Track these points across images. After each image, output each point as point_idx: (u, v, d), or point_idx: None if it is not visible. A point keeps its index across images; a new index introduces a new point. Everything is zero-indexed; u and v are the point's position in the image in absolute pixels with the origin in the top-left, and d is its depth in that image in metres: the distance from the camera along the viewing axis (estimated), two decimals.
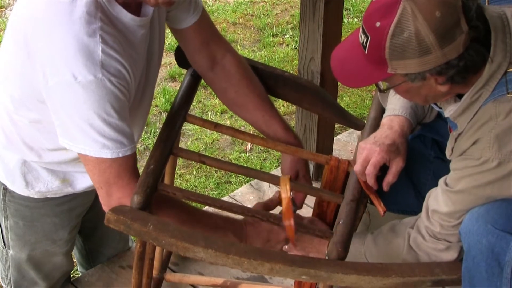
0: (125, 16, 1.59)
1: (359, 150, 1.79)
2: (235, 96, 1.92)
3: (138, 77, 1.69)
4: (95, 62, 1.50)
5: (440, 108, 1.70)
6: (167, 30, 1.91)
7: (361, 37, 1.53)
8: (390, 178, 1.79)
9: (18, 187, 1.86)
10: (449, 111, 1.63)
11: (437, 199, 1.67)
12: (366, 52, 1.51)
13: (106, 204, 1.66)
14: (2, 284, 2.12)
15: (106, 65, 1.52)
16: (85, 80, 1.49)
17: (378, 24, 1.47)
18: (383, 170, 1.78)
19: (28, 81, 1.60)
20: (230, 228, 1.78)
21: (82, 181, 1.86)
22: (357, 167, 1.77)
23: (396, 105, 1.86)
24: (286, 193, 1.63)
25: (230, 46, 1.94)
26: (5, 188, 1.89)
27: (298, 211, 1.92)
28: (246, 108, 1.93)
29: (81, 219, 2.08)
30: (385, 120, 1.86)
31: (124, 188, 1.64)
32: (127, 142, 1.60)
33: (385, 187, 1.79)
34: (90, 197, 2.02)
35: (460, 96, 1.60)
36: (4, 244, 2.00)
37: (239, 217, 1.77)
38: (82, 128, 1.55)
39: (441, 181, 1.67)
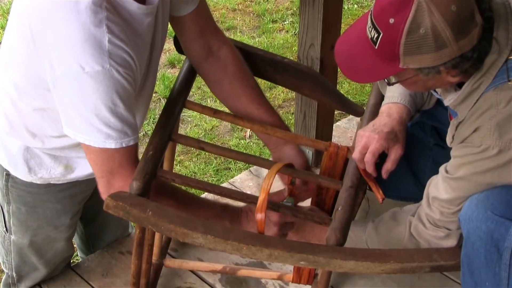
0: (131, 4, 1.57)
1: (357, 138, 1.79)
2: (229, 88, 1.90)
3: (143, 65, 1.69)
4: (103, 52, 1.49)
5: (440, 95, 1.70)
6: None
7: (370, 32, 1.49)
8: (389, 165, 1.79)
9: (20, 173, 1.86)
10: (449, 100, 1.63)
11: (438, 186, 1.67)
12: (376, 47, 1.48)
13: (106, 193, 1.66)
14: (4, 269, 2.12)
15: (113, 55, 1.51)
16: (93, 71, 1.49)
17: (392, 20, 1.43)
18: (382, 157, 1.78)
19: (33, 71, 1.59)
20: (226, 216, 1.78)
21: (85, 167, 1.85)
22: (355, 155, 1.77)
23: (394, 93, 1.86)
24: (266, 186, 1.63)
25: (226, 38, 1.92)
26: (8, 174, 1.89)
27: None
28: (240, 101, 1.91)
29: (83, 205, 2.08)
30: (383, 108, 1.86)
31: (126, 178, 1.64)
32: (130, 132, 1.60)
33: (384, 174, 1.79)
34: (92, 184, 2.01)
35: (460, 85, 1.59)
36: (6, 229, 2.00)
37: (238, 203, 1.77)
38: (87, 119, 1.54)
39: (441, 168, 1.68)
